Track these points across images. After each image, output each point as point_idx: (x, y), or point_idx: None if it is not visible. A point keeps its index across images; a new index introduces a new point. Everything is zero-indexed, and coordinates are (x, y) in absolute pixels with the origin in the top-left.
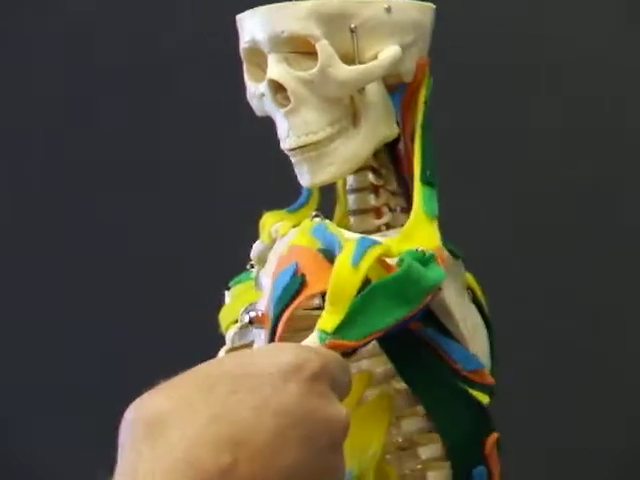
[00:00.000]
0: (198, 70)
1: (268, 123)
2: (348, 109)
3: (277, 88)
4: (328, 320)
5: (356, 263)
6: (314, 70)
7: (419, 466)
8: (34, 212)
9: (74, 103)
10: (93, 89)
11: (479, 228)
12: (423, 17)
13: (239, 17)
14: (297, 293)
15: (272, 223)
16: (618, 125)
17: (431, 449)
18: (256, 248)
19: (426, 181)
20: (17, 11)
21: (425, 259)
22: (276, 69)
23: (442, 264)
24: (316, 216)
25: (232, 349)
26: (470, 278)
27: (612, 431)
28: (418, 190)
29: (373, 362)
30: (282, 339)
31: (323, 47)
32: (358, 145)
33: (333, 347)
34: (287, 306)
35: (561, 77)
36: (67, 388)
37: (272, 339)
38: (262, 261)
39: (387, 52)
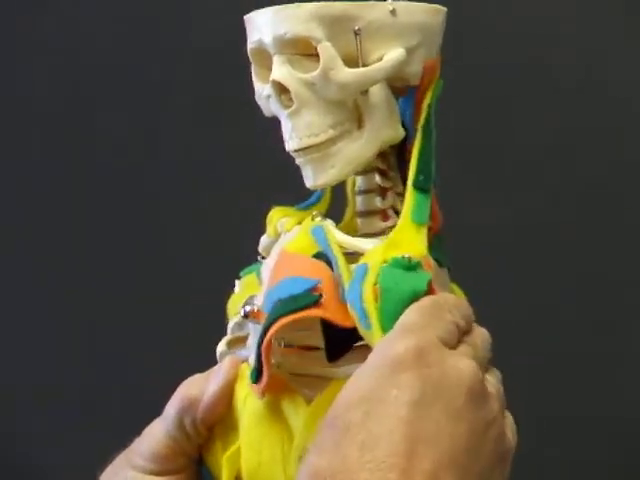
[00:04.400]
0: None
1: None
2: (352, 111)
3: (281, 89)
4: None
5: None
6: (316, 72)
7: None
8: (34, 212)
9: (74, 103)
10: (93, 89)
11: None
12: (430, 19)
13: (247, 17)
14: (306, 307)
15: (278, 218)
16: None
17: None
18: (263, 242)
19: (418, 186)
20: (17, 11)
21: (411, 265)
22: (279, 70)
23: (429, 270)
24: (317, 215)
25: (230, 341)
26: (455, 288)
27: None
28: (409, 195)
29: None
30: (270, 342)
31: (325, 49)
32: (361, 147)
33: None
34: (289, 313)
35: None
36: (67, 388)
37: (262, 338)
38: (269, 254)
39: (391, 55)
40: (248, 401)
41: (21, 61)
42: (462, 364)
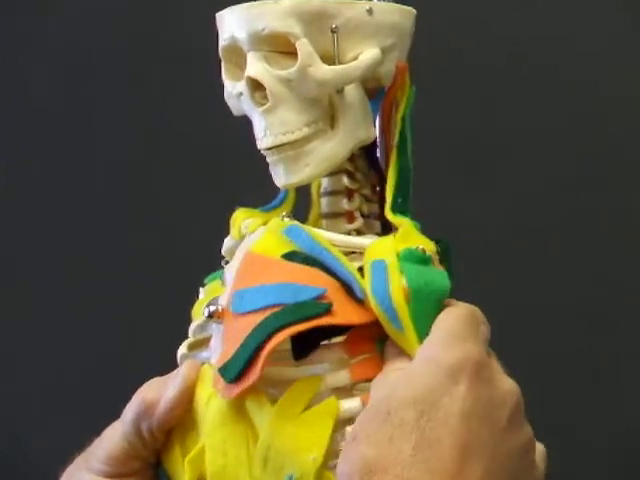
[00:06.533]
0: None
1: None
2: (326, 110)
3: (255, 86)
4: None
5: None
6: (293, 69)
7: None
8: (35, 211)
9: (74, 103)
10: (93, 89)
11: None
12: (404, 21)
13: (219, 14)
14: (318, 316)
15: (243, 219)
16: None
17: None
18: (226, 244)
19: (398, 210)
20: (16, 11)
21: (426, 258)
22: (255, 67)
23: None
24: (286, 216)
25: (192, 343)
26: None
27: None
28: (394, 219)
29: (326, 367)
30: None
31: (303, 46)
32: (335, 147)
33: None
34: (299, 321)
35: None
36: (67, 388)
37: (261, 342)
38: (232, 256)
39: (367, 54)
40: (211, 402)
41: (21, 61)
42: (508, 385)
